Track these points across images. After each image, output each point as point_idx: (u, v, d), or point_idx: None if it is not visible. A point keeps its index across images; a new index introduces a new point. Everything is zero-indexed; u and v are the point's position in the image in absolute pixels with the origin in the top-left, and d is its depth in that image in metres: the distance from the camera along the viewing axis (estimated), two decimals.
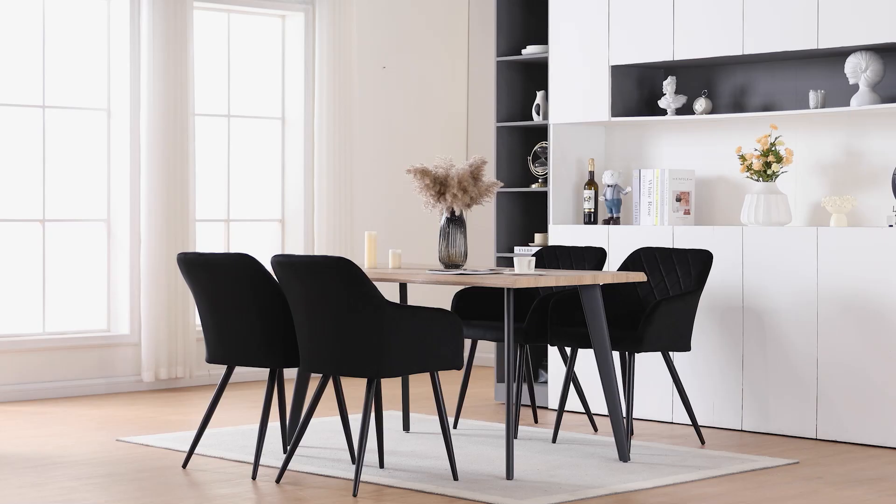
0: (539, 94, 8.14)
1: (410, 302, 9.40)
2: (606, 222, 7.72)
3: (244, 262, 5.65)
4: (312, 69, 9.25)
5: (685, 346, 6.61)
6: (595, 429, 7.04)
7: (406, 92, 9.83)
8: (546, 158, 8.17)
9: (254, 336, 5.74)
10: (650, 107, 7.80)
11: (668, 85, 7.52)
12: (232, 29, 9.18)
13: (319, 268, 5.41)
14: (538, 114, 8.14)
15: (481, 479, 5.69)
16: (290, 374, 8.73)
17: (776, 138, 7.02)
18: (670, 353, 6.82)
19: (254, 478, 5.73)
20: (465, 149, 10.12)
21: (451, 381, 9.02)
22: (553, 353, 7.71)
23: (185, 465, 5.98)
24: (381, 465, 5.93)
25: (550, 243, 7.80)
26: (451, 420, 7.29)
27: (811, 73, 7.19)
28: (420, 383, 8.73)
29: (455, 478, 5.66)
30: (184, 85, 8.55)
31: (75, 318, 8.55)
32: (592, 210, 7.77)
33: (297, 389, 6.31)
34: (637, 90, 7.76)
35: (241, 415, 7.53)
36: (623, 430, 6.14)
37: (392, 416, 7.38)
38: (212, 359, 5.95)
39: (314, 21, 9.22)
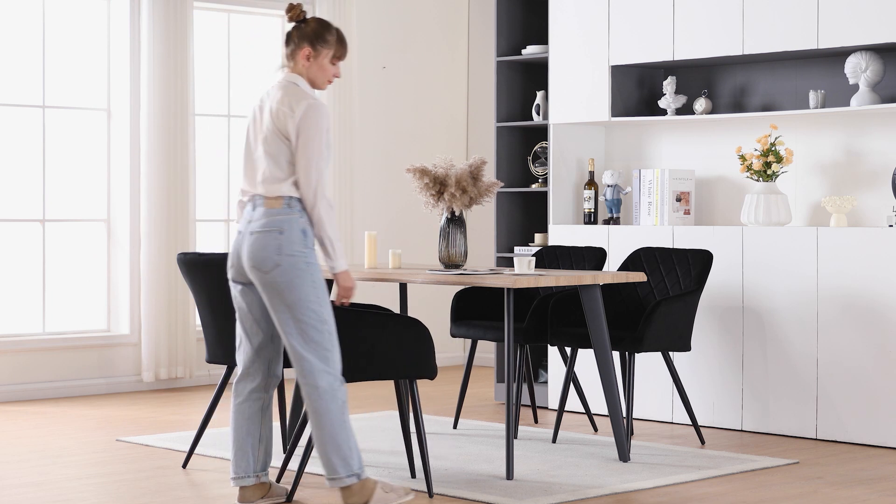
0: (539, 94, 8.14)
1: (410, 302, 9.40)
2: (606, 222, 7.72)
3: None
4: None
5: (685, 346, 6.61)
6: (595, 429, 7.04)
7: (406, 92, 9.83)
8: (546, 158, 8.17)
9: None
10: (650, 107, 7.80)
11: (668, 85, 7.52)
12: (232, 29, 9.18)
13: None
14: (538, 114, 8.14)
15: (481, 479, 5.69)
16: (291, 374, 8.72)
17: (776, 138, 7.03)
18: (670, 353, 6.82)
19: None
20: (465, 149, 10.12)
21: (451, 381, 9.03)
22: (553, 353, 7.71)
23: (185, 465, 5.98)
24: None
25: (550, 243, 7.80)
26: (451, 420, 7.28)
27: (811, 73, 7.18)
28: (420, 383, 8.72)
29: (412, 475, 5.69)
30: (184, 85, 8.56)
31: (75, 318, 8.55)
32: (592, 210, 7.77)
33: (297, 389, 6.31)
34: (637, 90, 7.76)
35: None
36: (623, 430, 6.14)
37: (391, 416, 7.39)
38: (212, 359, 5.95)
39: None
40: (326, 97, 9.14)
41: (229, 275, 5.13)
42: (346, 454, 4.96)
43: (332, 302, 5.11)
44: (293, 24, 5.10)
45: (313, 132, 4.94)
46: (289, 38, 5.09)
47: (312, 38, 5.06)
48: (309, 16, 5.18)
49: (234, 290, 5.14)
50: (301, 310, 4.93)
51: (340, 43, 5.12)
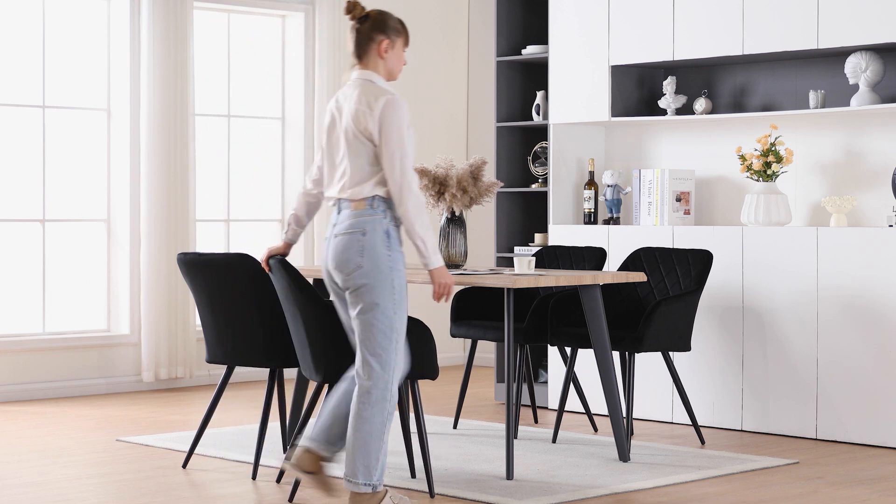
0: (539, 94, 8.14)
1: (411, 302, 9.39)
2: (606, 222, 7.72)
3: (244, 262, 5.65)
4: (312, 69, 9.25)
5: (685, 346, 6.61)
6: (595, 429, 7.04)
7: (406, 92, 9.82)
8: (546, 158, 8.17)
9: (254, 336, 5.74)
10: (650, 107, 7.80)
11: (668, 85, 7.52)
12: (232, 29, 9.18)
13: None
14: (538, 114, 8.14)
15: (481, 479, 5.69)
16: (290, 374, 8.73)
17: (776, 138, 7.03)
18: (670, 353, 6.82)
19: (254, 478, 5.73)
20: (465, 149, 10.12)
21: (451, 381, 9.02)
22: (553, 353, 7.71)
23: (185, 465, 5.98)
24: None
25: (550, 243, 7.80)
26: (451, 420, 7.28)
27: (811, 73, 7.19)
28: (420, 383, 8.72)
29: (413, 475, 5.68)
30: (184, 85, 8.56)
31: (75, 318, 8.55)
32: (592, 210, 7.77)
33: (297, 389, 6.32)
34: (637, 90, 7.76)
35: (241, 415, 7.53)
36: (623, 430, 6.14)
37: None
38: (212, 359, 5.95)
39: (314, 21, 9.23)
40: (326, 97, 9.15)
41: (326, 283, 5.11)
42: (372, 464, 4.91)
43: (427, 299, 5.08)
44: (356, 21, 5.02)
45: (394, 127, 4.89)
46: (358, 34, 5.01)
47: (384, 28, 5.00)
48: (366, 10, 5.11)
49: (333, 297, 5.11)
50: (374, 313, 4.88)
51: (405, 28, 5.10)
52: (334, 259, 4.92)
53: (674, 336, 6.53)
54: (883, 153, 6.92)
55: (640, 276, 6.20)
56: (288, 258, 5.56)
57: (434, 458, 6.13)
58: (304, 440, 5.06)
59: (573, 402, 7.63)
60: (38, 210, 8.42)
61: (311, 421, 7.02)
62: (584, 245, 7.34)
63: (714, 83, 7.58)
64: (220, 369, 8.80)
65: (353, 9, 5.01)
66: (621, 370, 6.79)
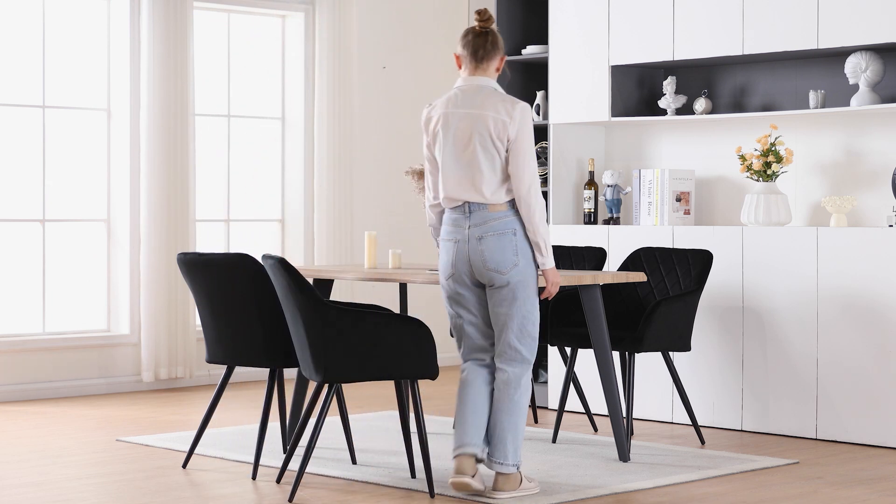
0: (539, 94, 8.14)
1: (411, 302, 9.39)
2: (606, 222, 7.72)
3: (244, 262, 5.65)
4: (312, 69, 9.25)
5: (685, 346, 6.61)
6: (595, 429, 7.04)
7: (406, 92, 9.82)
8: (546, 158, 8.17)
9: (254, 336, 5.74)
10: (650, 107, 7.80)
11: (668, 85, 7.52)
12: (232, 29, 9.18)
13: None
14: (538, 114, 8.14)
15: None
16: (290, 374, 8.73)
17: (776, 138, 7.03)
18: (670, 353, 6.82)
19: (254, 478, 5.73)
20: None
21: (451, 381, 9.02)
22: (553, 353, 7.71)
23: (185, 465, 5.98)
24: (353, 461, 5.99)
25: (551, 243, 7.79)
26: (451, 420, 7.28)
27: (811, 73, 7.19)
28: (420, 383, 8.72)
29: (413, 475, 5.69)
30: (184, 85, 8.55)
31: (75, 318, 8.55)
32: (592, 210, 7.77)
33: (297, 389, 6.31)
34: (637, 90, 7.77)
35: (241, 415, 7.53)
36: (623, 430, 6.14)
37: (392, 416, 7.39)
38: (212, 359, 5.95)
39: (314, 21, 9.23)
40: (326, 97, 9.15)
41: (451, 282, 5.32)
42: (519, 444, 5.28)
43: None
44: (483, 29, 5.28)
45: (528, 134, 5.21)
46: (487, 43, 5.27)
47: (504, 47, 5.33)
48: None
49: (455, 295, 5.33)
50: (526, 306, 5.27)
51: None
52: (491, 260, 5.21)
53: (674, 336, 6.53)
54: (883, 153, 6.92)
55: (640, 276, 6.20)
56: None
57: (434, 458, 6.13)
58: (467, 448, 5.25)
59: (573, 402, 7.64)
60: (38, 210, 8.42)
61: (314, 420, 7.02)
62: (584, 245, 7.34)
63: (714, 83, 7.58)
64: (220, 369, 8.80)
65: (488, 17, 5.28)
66: (621, 370, 6.79)
